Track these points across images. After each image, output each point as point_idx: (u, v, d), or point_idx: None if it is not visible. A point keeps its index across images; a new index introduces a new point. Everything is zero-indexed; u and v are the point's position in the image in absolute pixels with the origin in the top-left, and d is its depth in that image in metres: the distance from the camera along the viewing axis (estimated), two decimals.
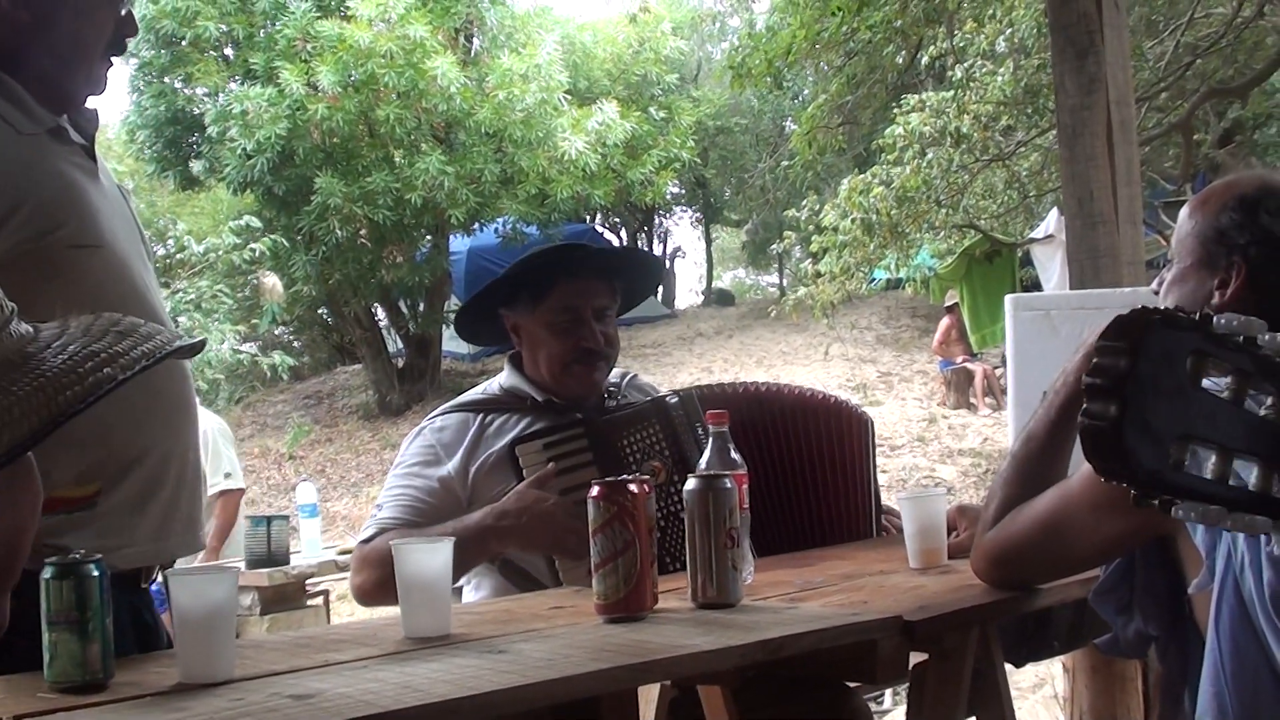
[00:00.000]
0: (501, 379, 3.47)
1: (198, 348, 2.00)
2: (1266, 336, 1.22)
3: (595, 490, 2.36)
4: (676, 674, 2.34)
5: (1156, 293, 2.49)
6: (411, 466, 3.28)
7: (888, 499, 3.64)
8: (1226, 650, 2.03)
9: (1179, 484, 1.18)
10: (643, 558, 2.33)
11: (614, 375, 3.55)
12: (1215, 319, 1.22)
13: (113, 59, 2.61)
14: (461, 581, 3.31)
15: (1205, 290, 2.35)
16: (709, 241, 34.76)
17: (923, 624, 2.28)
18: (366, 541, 3.16)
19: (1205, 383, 1.19)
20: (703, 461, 2.65)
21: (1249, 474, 1.19)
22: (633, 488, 2.34)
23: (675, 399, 3.29)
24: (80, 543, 2.13)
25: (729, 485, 2.43)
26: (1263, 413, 1.19)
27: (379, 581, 2.97)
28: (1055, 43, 5.14)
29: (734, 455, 2.66)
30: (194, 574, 2.06)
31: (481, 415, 3.33)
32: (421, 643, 2.24)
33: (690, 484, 2.45)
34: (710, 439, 2.68)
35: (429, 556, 2.31)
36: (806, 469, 3.41)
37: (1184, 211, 2.44)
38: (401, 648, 2.21)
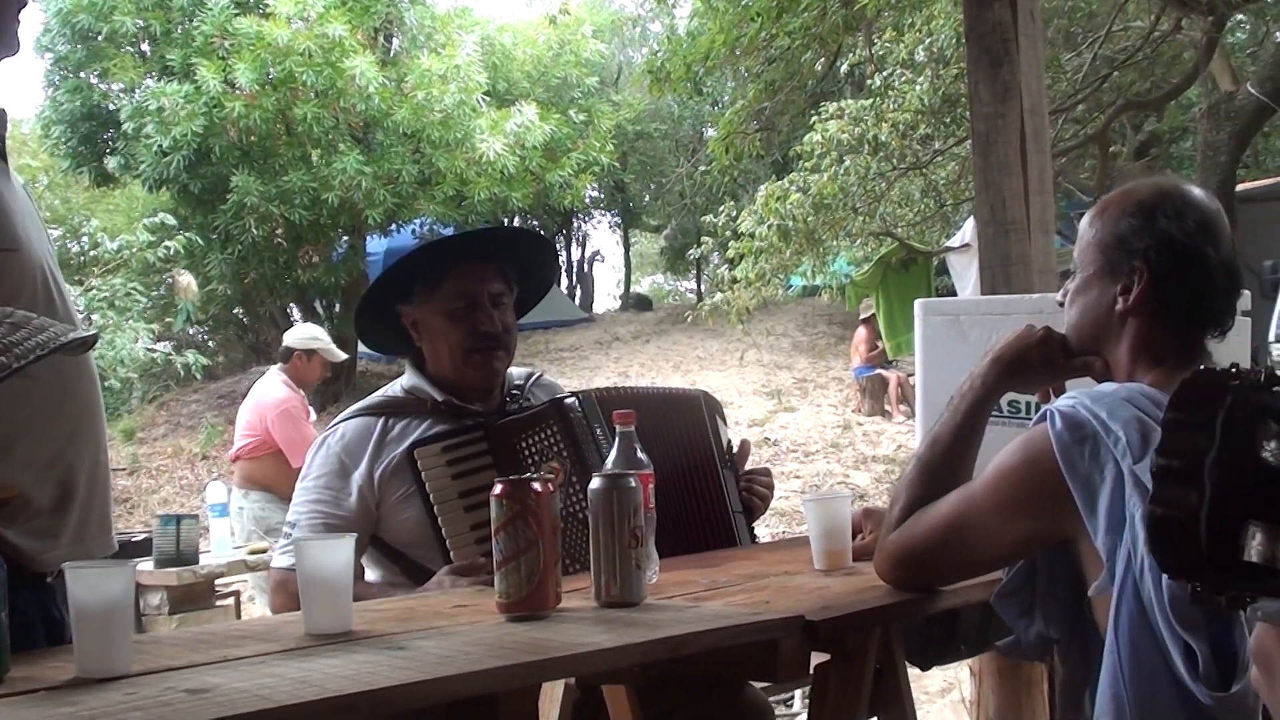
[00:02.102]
0: (403, 381, 3.46)
1: (90, 341, 1.98)
2: None
3: (498, 488, 2.34)
4: (576, 672, 2.34)
5: (1061, 303, 2.52)
6: (320, 479, 3.25)
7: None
8: (1125, 652, 2.06)
9: (1246, 578, 1.11)
10: (545, 557, 2.31)
11: (519, 375, 3.56)
12: None
13: (20, 17, 2.55)
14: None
15: (1109, 297, 2.37)
16: (627, 246, 34.83)
17: (825, 624, 2.28)
18: (289, 570, 3.09)
19: (1266, 451, 1.13)
20: (609, 461, 2.64)
21: None
22: (536, 486, 2.33)
23: (574, 400, 3.29)
24: (5, 547, 2.12)
25: (634, 484, 2.42)
26: None
27: (296, 605, 2.95)
28: (970, 51, 5.17)
29: (640, 455, 2.65)
30: (90, 568, 2.02)
31: (384, 419, 3.31)
32: (322, 639, 2.22)
33: (595, 483, 2.44)
34: (616, 438, 2.68)
35: (330, 554, 2.29)
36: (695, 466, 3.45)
37: (1084, 221, 2.46)
38: (302, 644, 2.18)
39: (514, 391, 3.50)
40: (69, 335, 1.53)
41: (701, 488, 3.42)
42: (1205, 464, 1.13)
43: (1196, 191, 2.39)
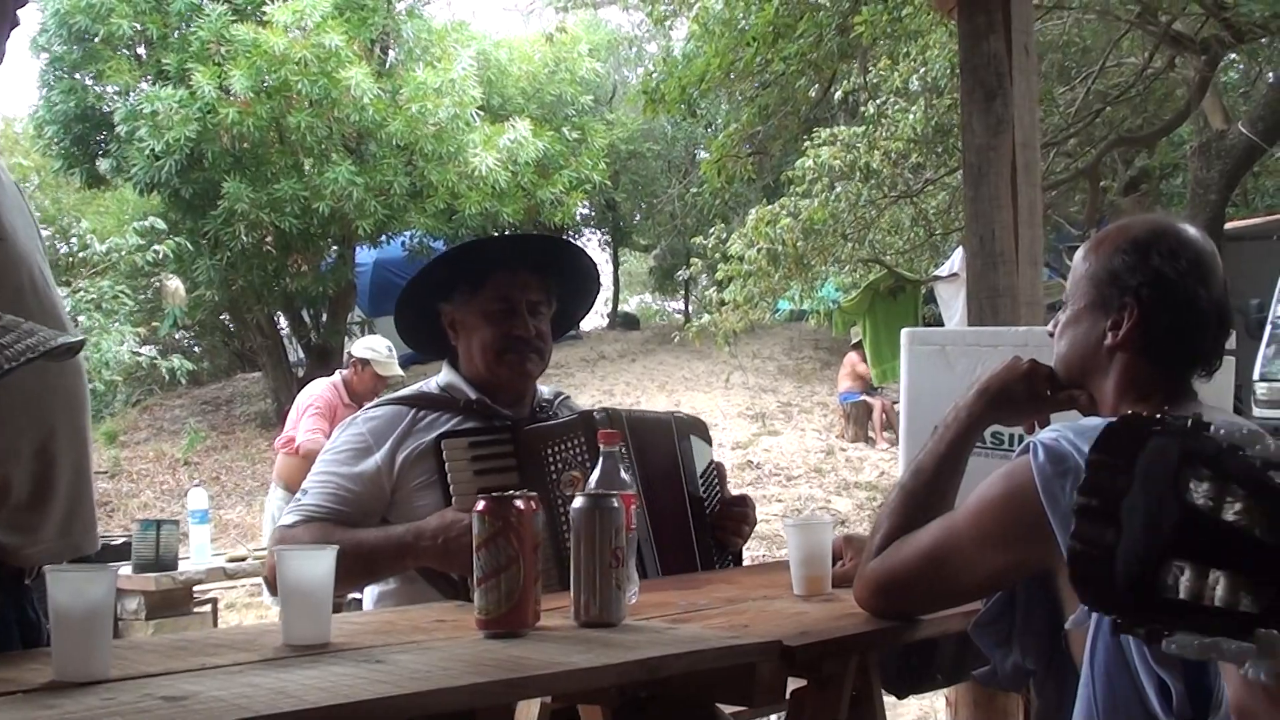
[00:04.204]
0: (439, 378, 3.52)
1: (76, 347, 1.98)
2: (1259, 446, 1.18)
3: (481, 505, 2.35)
4: (553, 690, 2.34)
5: (1052, 334, 2.53)
6: (341, 453, 3.30)
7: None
8: (1100, 686, 2.06)
9: (1165, 613, 1.16)
10: (526, 574, 2.31)
11: (548, 392, 3.63)
12: (1213, 426, 1.20)
13: (14, 27, 2.54)
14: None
15: (1098, 331, 2.39)
16: (616, 264, 34.78)
17: (802, 650, 2.29)
18: (290, 527, 3.17)
19: (1192, 494, 1.17)
20: (592, 480, 2.65)
21: (1220, 588, 1.16)
22: (519, 504, 2.33)
23: (603, 415, 3.34)
24: None
25: (616, 505, 2.43)
26: (1231, 518, 1.16)
27: None
28: (964, 83, 5.18)
29: (624, 476, 2.66)
30: (72, 571, 2.02)
31: (414, 410, 3.37)
32: (300, 650, 2.22)
33: (577, 503, 2.45)
34: (600, 459, 2.68)
35: (311, 564, 2.29)
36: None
37: (1078, 254, 2.48)
38: (280, 654, 2.18)
39: (543, 404, 3.57)
40: (56, 340, 1.53)
41: (669, 514, 3.44)
42: (1123, 504, 1.16)
43: (1192, 231, 2.41)
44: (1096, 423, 2.23)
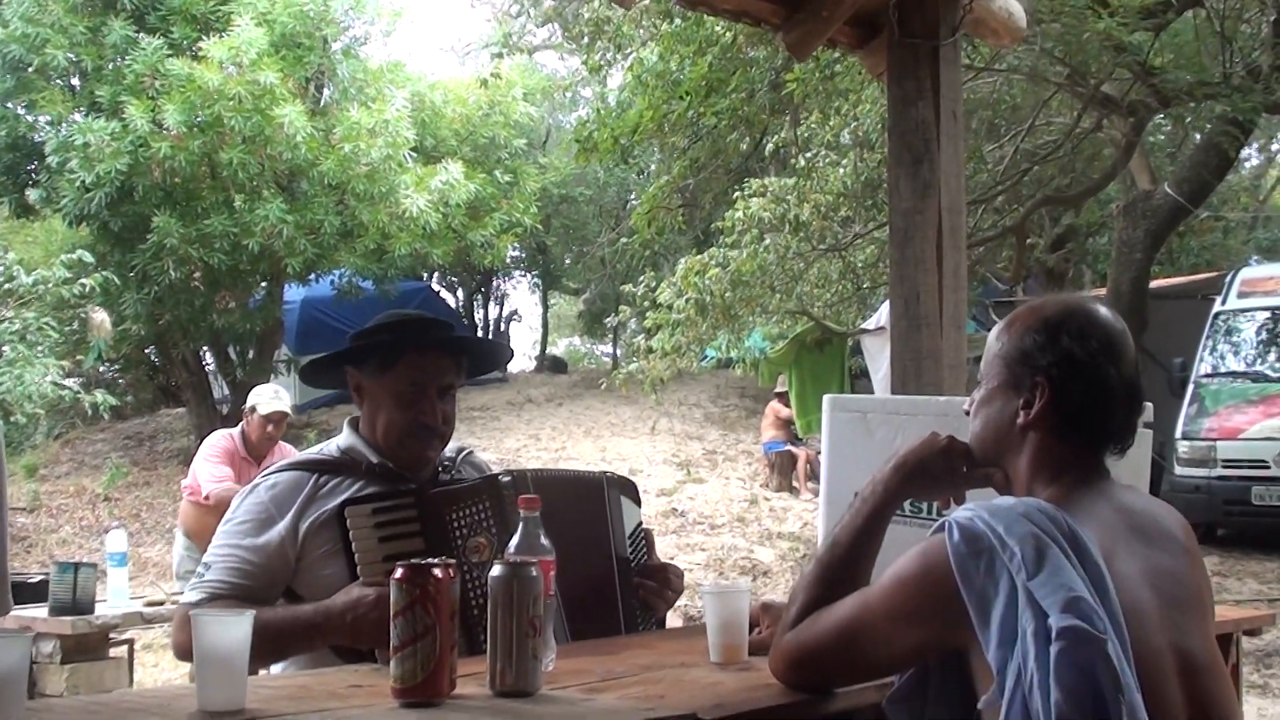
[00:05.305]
0: (339, 440, 3.48)
1: None
2: None
3: (399, 573, 2.34)
4: None
5: (968, 412, 2.56)
6: (243, 524, 3.25)
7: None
8: None
9: None
10: (442, 643, 2.31)
11: (450, 449, 3.58)
12: None
13: None
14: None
15: (1011, 410, 2.42)
16: (546, 307, 34.85)
17: None
18: (193, 605, 3.10)
19: None
20: (511, 546, 2.65)
21: None
22: (436, 572, 2.33)
23: (508, 478, 3.29)
24: None
25: (535, 574, 2.42)
26: None
27: None
28: (892, 147, 5.24)
29: (543, 541, 2.66)
30: None
31: (316, 475, 3.33)
32: (214, 717, 2.21)
33: (495, 570, 2.43)
34: (521, 524, 2.68)
35: (226, 630, 2.28)
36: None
37: (992, 334, 2.51)
38: None
39: (445, 464, 3.54)
40: None
41: (593, 576, 3.42)
42: None
43: (1103, 312, 2.45)
44: (1010, 503, 2.26)
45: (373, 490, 3.27)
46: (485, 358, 3.72)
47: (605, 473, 3.66)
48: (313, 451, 3.51)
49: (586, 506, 3.48)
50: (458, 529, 3.16)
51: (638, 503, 3.67)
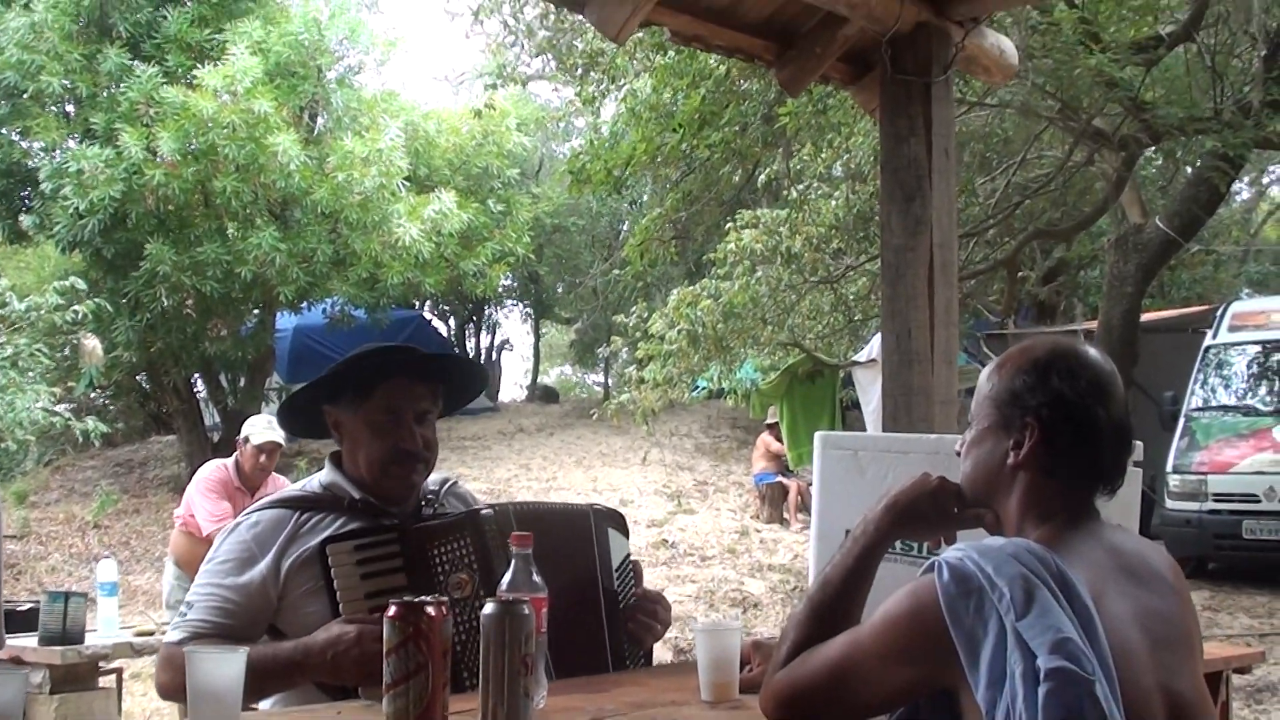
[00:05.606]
0: (321, 476, 3.47)
1: None
2: None
3: (392, 610, 2.34)
4: None
5: (959, 453, 2.57)
6: (225, 563, 3.24)
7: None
8: None
9: None
10: (434, 681, 2.31)
11: (434, 481, 3.57)
12: None
13: None
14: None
15: (1001, 450, 2.44)
16: (538, 336, 34.87)
17: None
18: (176, 644, 3.09)
19: None
20: (504, 583, 2.65)
21: None
22: (430, 610, 2.33)
23: (490, 512, 3.29)
24: None
25: (526, 612, 2.41)
26: None
27: (182, 685, 2.94)
28: (884, 184, 5.27)
29: (535, 578, 2.65)
30: None
31: (298, 512, 3.32)
32: None
33: (488, 608, 2.42)
34: (512, 560, 2.68)
35: (219, 667, 2.29)
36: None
37: (982, 375, 2.53)
38: None
39: (429, 496, 3.52)
40: None
41: (579, 609, 3.40)
42: None
43: (1092, 353, 2.47)
44: (1000, 543, 2.27)
45: (355, 526, 3.26)
46: (462, 383, 3.69)
47: (592, 505, 3.65)
48: (295, 488, 3.51)
49: (572, 539, 3.45)
50: (439, 565, 3.15)
51: (626, 534, 3.65)
